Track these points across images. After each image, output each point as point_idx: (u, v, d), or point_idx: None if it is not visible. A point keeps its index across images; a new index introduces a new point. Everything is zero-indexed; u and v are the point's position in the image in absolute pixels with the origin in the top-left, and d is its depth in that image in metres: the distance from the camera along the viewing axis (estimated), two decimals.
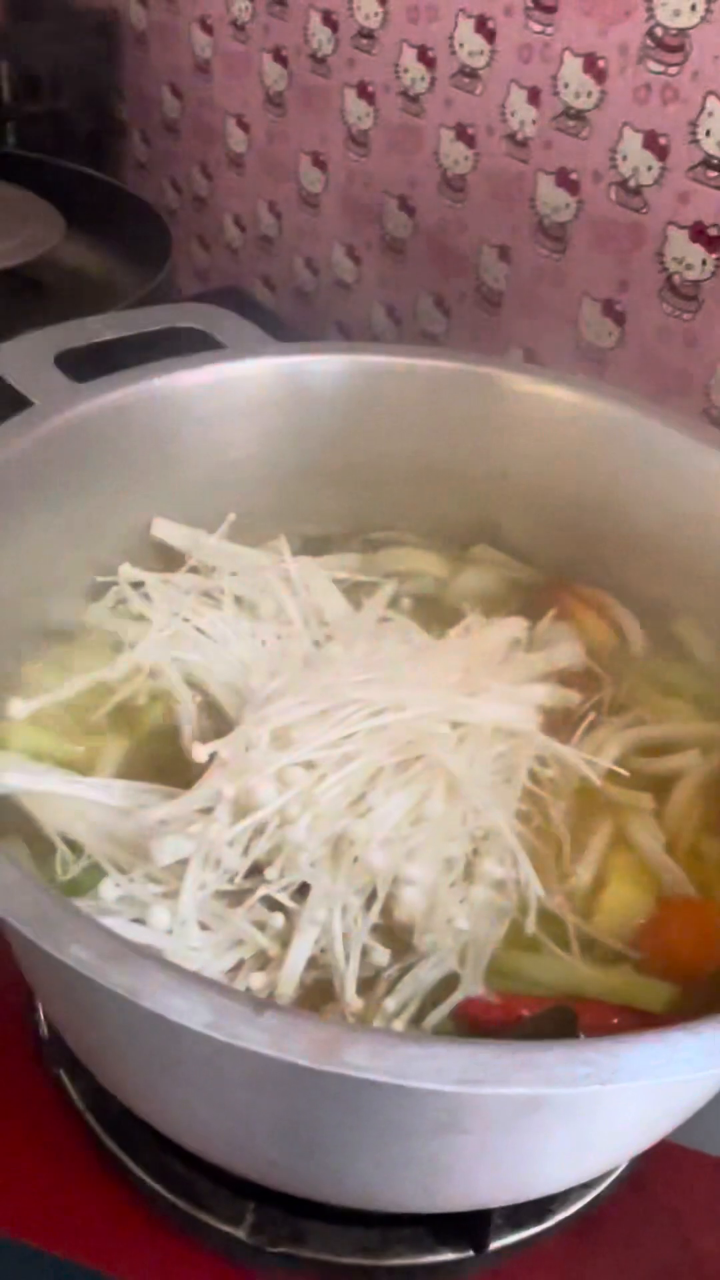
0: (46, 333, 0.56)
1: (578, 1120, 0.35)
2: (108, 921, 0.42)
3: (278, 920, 0.44)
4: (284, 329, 1.20)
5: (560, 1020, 0.39)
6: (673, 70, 0.82)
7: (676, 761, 0.51)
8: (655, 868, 0.47)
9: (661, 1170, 0.51)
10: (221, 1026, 0.28)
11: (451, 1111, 0.32)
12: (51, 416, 0.52)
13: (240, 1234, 0.47)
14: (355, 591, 0.60)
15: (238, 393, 0.57)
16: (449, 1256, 0.47)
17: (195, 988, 0.29)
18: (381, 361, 0.58)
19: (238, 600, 0.57)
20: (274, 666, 0.54)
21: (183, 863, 0.45)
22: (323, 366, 0.58)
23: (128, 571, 0.58)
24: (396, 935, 0.45)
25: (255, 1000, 0.29)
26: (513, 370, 0.59)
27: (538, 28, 0.90)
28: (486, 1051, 0.28)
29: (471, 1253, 0.47)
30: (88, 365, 0.58)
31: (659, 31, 0.82)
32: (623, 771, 0.50)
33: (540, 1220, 0.48)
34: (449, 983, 0.43)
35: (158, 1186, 0.48)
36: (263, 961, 0.44)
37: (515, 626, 0.57)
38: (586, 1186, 0.49)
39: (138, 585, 0.58)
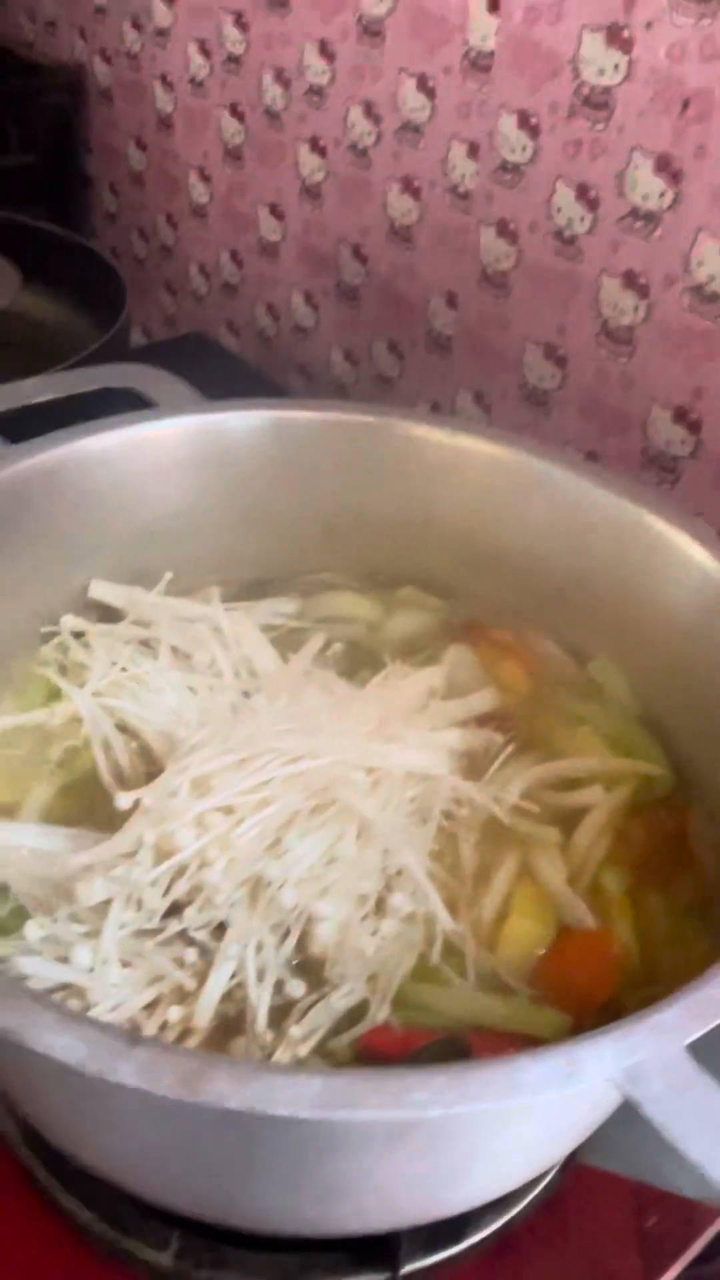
0: None
1: (454, 1143, 0.37)
2: (30, 961, 0.45)
3: (192, 955, 0.46)
4: (247, 373, 1.24)
5: (453, 1050, 0.41)
6: (599, 126, 0.85)
7: (584, 797, 0.54)
8: (556, 900, 0.50)
9: (576, 1192, 0.53)
10: (95, 1060, 0.30)
11: (325, 1137, 0.35)
12: None
13: (165, 1260, 0.48)
14: (289, 638, 0.63)
15: (166, 450, 0.60)
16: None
17: (74, 1026, 0.31)
18: (299, 417, 0.61)
19: (174, 650, 0.60)
20: (202, 716, 0.56)
21: (106, 903, 0.47)
22: (246, 423, 0.60)
23: (70, 622, 0.60)
24: (314, 969, 0.47)
25: (129, 1036, 0.31)
26: (425, 423, 0.62)
27: (474, 86, 0.93)
28: (341, 1079, 0.31)
29: (387, 1274, 0.49)
30: (27, 424, 0.61)
31: (585, 90, 0.85)
32: (531, 807, 0.53)
33: (455, 1242, 0.50)
34: (359, 1014, 0.46)
35: (87, 1215, 0.50)
36: (180, 996, 0.46)
37: (432, 675, 0.59)
38: (500, 1209, 0.51)
39: (79, 635, 0.60)
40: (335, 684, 0.57)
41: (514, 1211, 0.51)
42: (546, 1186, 0.53)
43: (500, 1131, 0.38)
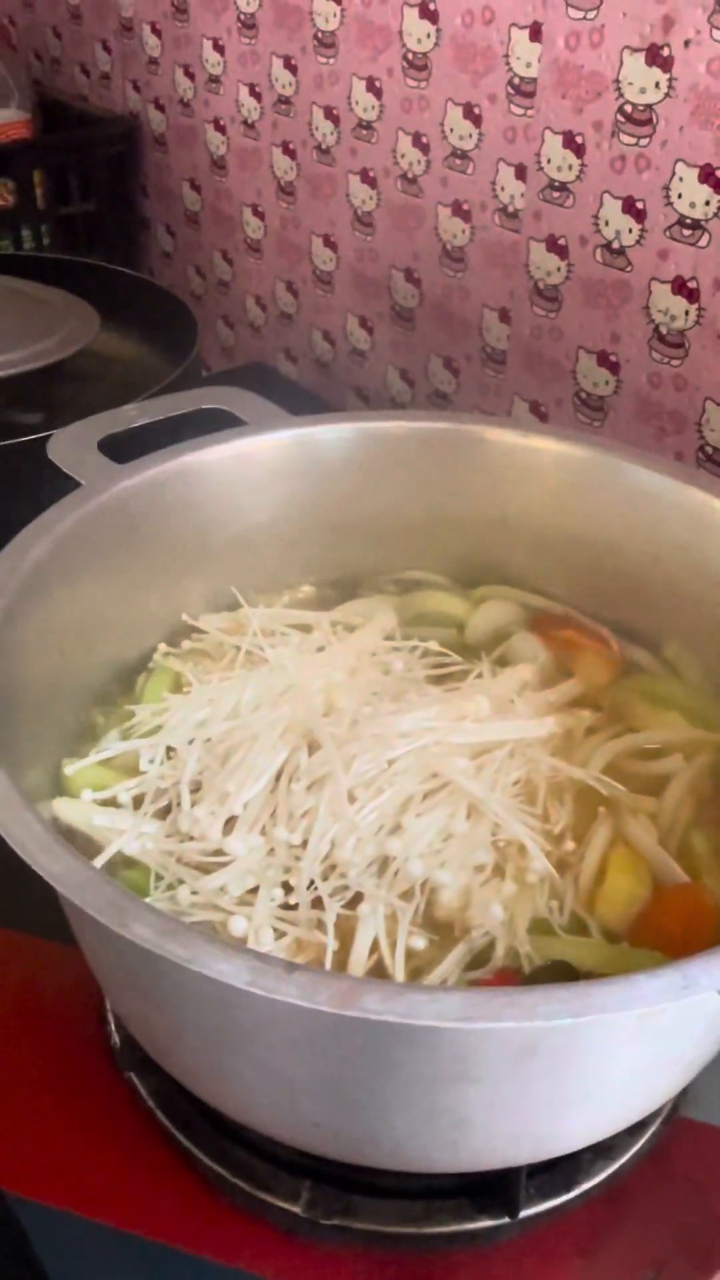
0: (89, 422, 0.64)
1: (575, 1064, 0.40)
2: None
3: (331, 918, 0.49)
4: (307, 398, 1.29)
5: (561, 973, 0.45)
6: (644, 141, 0.89)
7: (666, 765, 0.57)
8: (650, 860, 0.53)
9: (678, 1143, 0.56)
10: (259, 983, 0.34)
11: (459, 1058, 0.38)
12: (97, 495, 0.59)
13: (297, 1209, 0.52)
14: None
15: (258, 463, 0.65)
16: (486, 1223, 0.52)
17: (238, 954, 0.35)
18: (382, 427, 0.65)
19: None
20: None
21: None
22: (332, 435, 0.65)
23: (204, 621, 0.64)
24: (445, 930, 0.51)
25: (287, 962, 0.35)
26: (498, 426, 0.66)
27: (519, 111, 0.98)
28: (479, 995, 0.34)
29: (506, 1219, 0.52)
30: (128, 446, 0.66)
31: (628, 108, 0.89)
32: (616, 785, 0.56)
33: (568, 1189, 0.53)
34: (482, 962, 0.49)
35: (223, 1171, 0.53)
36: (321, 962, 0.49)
37: (524, 672, 0.63)
38: (608, 1159, 0.54)
39: (201, 635, 0.64)
40: (433, 689, 0.60)
41: (621, 1161, 0.54)
42: (650, 1138, 0.56)
43: (618, 1054, 0.41)
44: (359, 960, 0.46)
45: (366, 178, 1.16)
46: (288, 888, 0.50)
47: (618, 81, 0.89)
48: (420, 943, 0.48)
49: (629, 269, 0.94)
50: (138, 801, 0.54)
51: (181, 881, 0.50)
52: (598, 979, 0.36)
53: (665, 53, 0.85)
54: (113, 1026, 0.59)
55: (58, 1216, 0.53)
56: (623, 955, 0.48)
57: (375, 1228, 0.52)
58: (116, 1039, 0.58)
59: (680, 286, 0.91)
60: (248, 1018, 0.39)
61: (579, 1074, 0.41)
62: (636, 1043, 0.41)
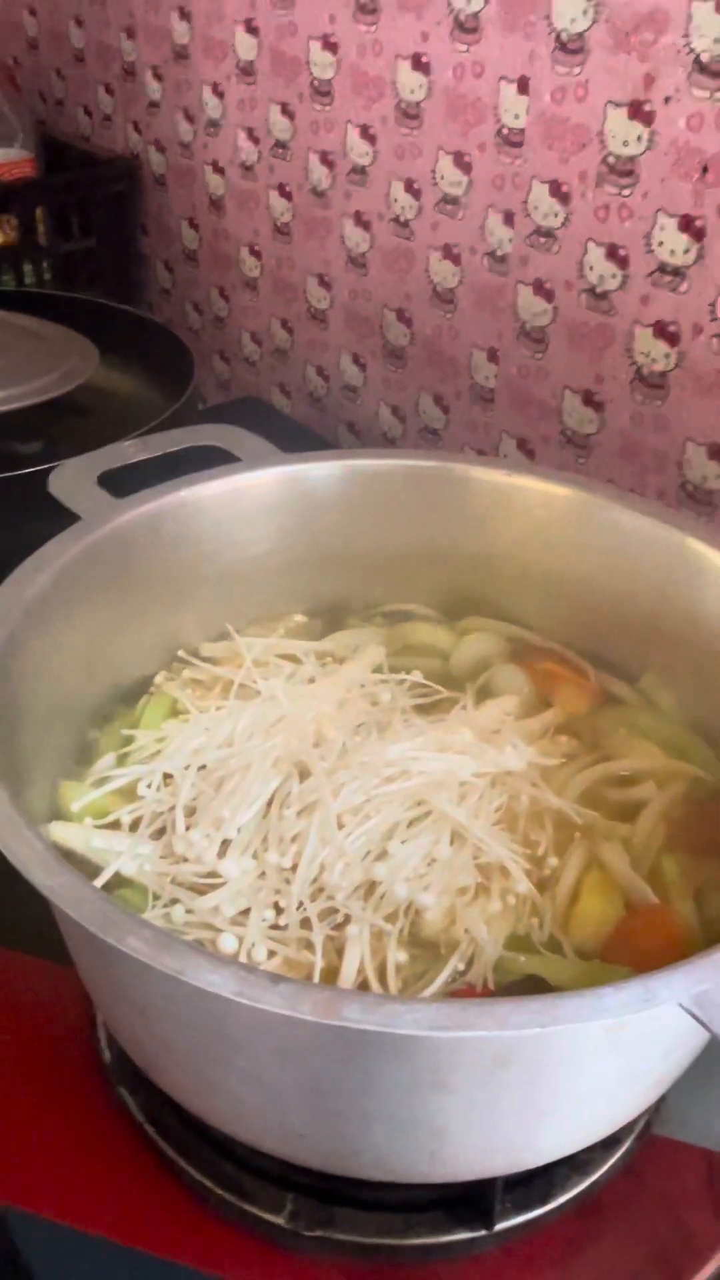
0: (89, 457, 0.66)
1: (549, 1075, 0.42)
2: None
3: (319, 938, 0.51)
4: (299, 431, 1.32)
5: (535, 988, 0.47)
6: (626, 192, 0.93)
7: (639, 792, 0.59)
8: (622, 882, 0.55)
9: (651, 1159, 0.58)
10: (246, 994, 0.36)
11: (435, 1068, 0.40)
12: (97, 528, 0.62)
13: (280, 1221, 0.54)
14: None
15: (252, 498, 0.67)
16: (463, 1235, 0.54)
17: (227, 966, 0.37)
18: (373, 464, 0.68)
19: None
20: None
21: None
22: (323, 471, 0.68)
23: (204, 649, 0.67)
24: (430, 947, 0.52)
25: (273, 975, 0.37)
26: (484, 465, 0.68)
27: (508, 160, 1.02)
28: (454, 1006, 0.36)
29: (483, 1231, 0.53)
30: (125, 479, 0.69)
31: (612, 160, 0.93)
32: (589, 813, 0.58)
33: (543, 1203, 0.55)
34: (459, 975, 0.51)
35: (209, 1183, 0.55)
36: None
37: (507, 703, 0.65)
38: (582, 1173, 0.56)
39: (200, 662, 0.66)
40: (420, 721, 0.62)
41: (595, 1176, 0.56)
42: (623, 1154, 0.57)
43: (588, 1066, 0.43)
44: (347, 978, 0.48)
45: (360, 221, 1.20)
46: (279, 909, 0.52)
47: (602, 134, 0.93)
48: (402, 956, 0.50)
49: (612, 313, 0.97)
50: (134, 824, 0.56)
51: (176, 901, 0.52)
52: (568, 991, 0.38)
53: (647, 108, 0.89)
54: (104, 1043, 0.61)
55: (48, 1227, 0.55)
56: (593, 971, 0.50)
57: (356, 1239, 0.53)
58: (107, 1055, 0.60)
59: (661, 330, 0.94)
60: (236, 1029, 0.41)
61: (551, 1085, 0.43)
62: (605, 1055, 0.43)
